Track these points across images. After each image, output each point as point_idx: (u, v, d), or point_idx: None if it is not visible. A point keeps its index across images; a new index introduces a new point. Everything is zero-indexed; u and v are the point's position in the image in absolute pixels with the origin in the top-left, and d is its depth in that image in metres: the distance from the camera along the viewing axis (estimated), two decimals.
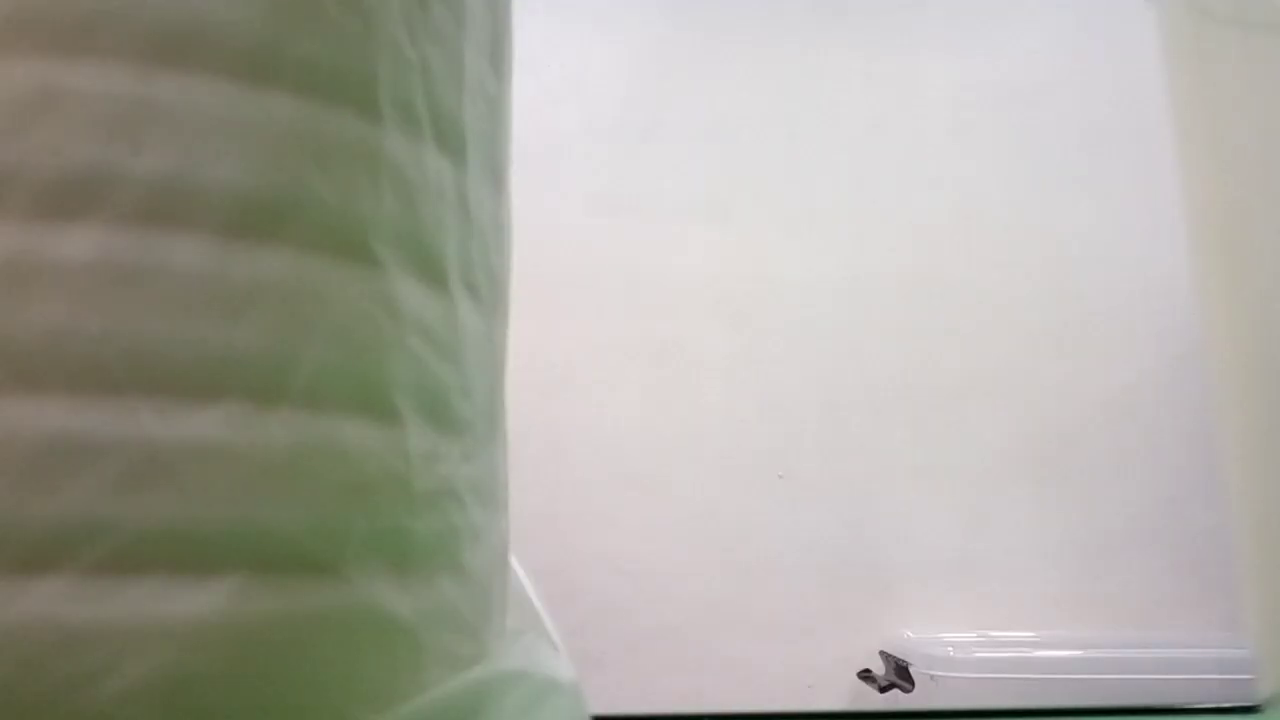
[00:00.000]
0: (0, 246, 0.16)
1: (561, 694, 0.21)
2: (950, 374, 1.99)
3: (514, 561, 0.23)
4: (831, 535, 1.94)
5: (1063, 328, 2.02)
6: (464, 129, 0.20)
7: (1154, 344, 1.95)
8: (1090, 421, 1.98)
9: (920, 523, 1.95)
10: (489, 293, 0.21)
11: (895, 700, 1.71)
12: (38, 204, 0.16)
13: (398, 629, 0.18)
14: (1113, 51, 1.91)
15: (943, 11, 2.02)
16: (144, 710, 0.15)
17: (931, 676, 1.64)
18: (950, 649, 1.69)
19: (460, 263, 0.20)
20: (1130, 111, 1.78)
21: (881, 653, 1.80)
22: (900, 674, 1.71)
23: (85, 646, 0.15)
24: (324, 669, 0.17)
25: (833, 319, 1.98)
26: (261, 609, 0.16)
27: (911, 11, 1.98)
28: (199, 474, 0.16)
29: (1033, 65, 2.02)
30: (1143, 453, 1.96)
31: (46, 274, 0.16)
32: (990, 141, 2.04)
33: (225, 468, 0.16)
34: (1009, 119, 2.05)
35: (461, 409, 0.20)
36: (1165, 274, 1.88)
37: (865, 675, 1.78)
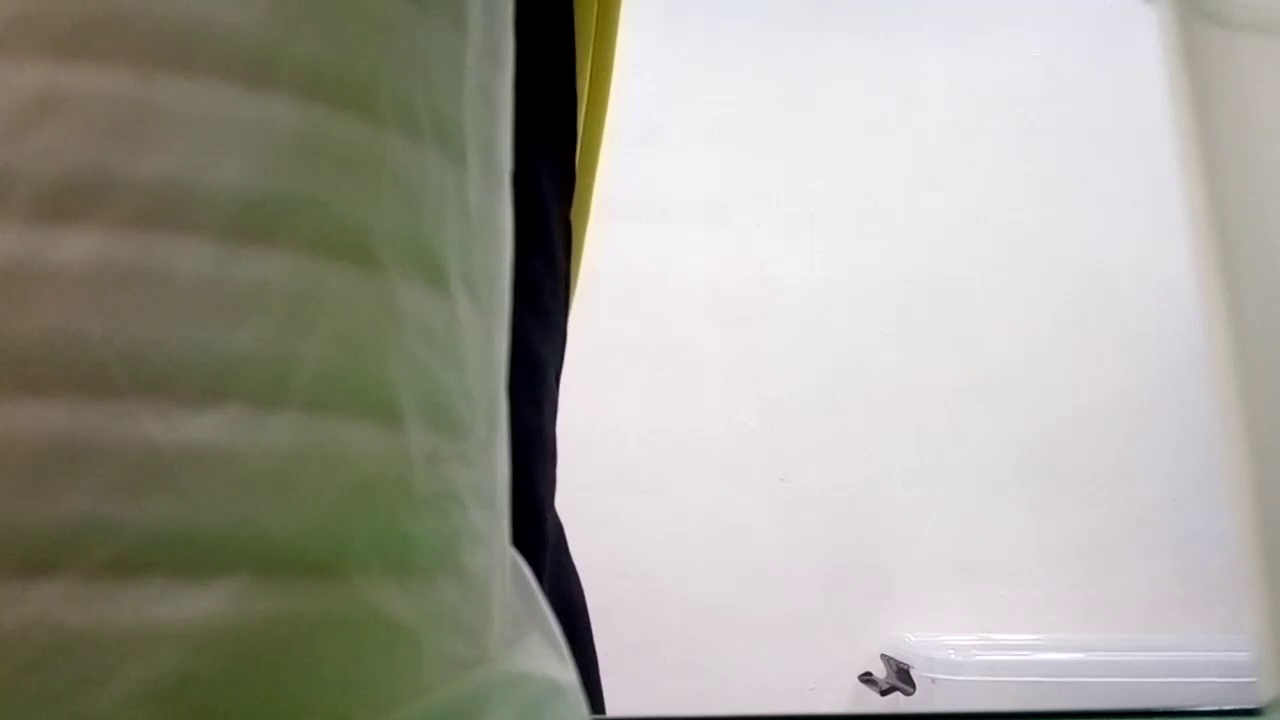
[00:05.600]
0: (0, 249, 0.16)
1: (563, 697, 0.21)
2: (951, 376, 1.99)
3: (521, 563, 0.23)
4: (832, 538, 1.94)
5: (1063, 330, 2.01)
6: (464, 130, 0.20)
7: (1155, 347, 1.95)
8: (1091, 424, 1.98)
9: (921, 525, 1.95)
10: (489, 295, 0.21)
11: (896, 703, 1.71)
12: (38, 207, 0.16)
13: (399, 631, 0.18)
14: (1114, 54, 1.91)
15: (944, 13, 2.02)
16: (145, 713, 0.15)
17: (933, 679, 1.64)
18: (951, 652, 1.69)
19: (460, 264, 0.20)
20: (1132, 114, 1.78)
21: (883, 655, 1.80)
22: (901, 677, 1.71)
23: (86, 650, 0.15)
24: (325, 671, 0.17)
25: (833, 320, 1.98)
26: (263, 611, 0.16)
27: (912, 13, 1.99)
28: (200, 476, 0.16)
29: (1034, 67, 2.02)
30: (1144, 455, 1.96)
31: (47, 277, 0.16)
32: (991, 144, 2.04)
33: (227, 470, 0.16)
34: (1010, 121, 2.05)
35: (462, 411, 0.20)
36: (1167, 276, 1.88)
37: (866, 678, 1.78)
